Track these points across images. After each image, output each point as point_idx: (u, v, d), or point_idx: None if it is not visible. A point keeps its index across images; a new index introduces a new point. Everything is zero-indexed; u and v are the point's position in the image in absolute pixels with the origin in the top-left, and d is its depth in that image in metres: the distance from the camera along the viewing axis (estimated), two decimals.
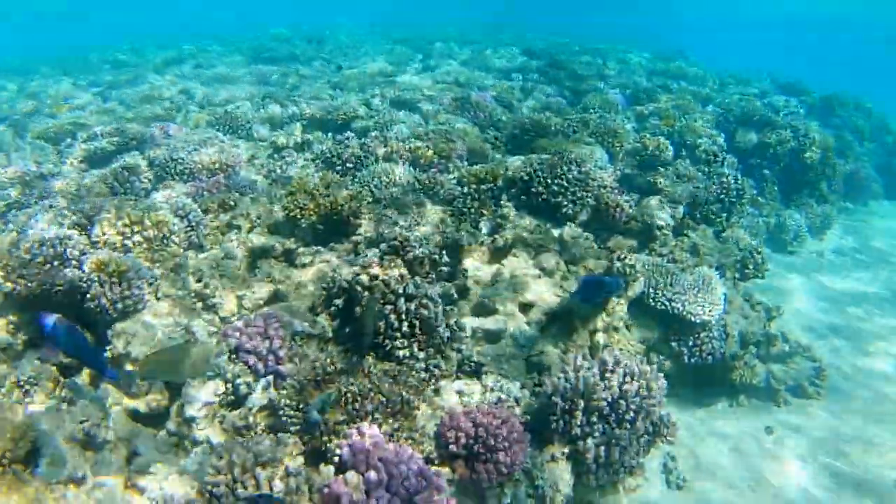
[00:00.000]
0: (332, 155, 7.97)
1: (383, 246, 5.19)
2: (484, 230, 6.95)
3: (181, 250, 5.55)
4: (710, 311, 6.29)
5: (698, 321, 6.24)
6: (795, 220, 9.95)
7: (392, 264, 4.90)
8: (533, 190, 6.93)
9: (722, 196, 8.35)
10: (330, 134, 9.39)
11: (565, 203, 6.80)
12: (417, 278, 4.77)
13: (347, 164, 7.86)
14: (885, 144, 15.74)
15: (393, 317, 4.40)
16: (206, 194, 6.98)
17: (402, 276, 4.75)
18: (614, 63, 14.98)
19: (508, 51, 16.10)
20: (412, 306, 4.43)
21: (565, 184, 6.80)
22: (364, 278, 4.57)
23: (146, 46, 19.42)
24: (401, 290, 4.44)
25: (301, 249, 5.79)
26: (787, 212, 10.08)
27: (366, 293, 4.49)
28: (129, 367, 4.31)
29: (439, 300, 4.63)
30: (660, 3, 54.73)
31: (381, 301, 4.42)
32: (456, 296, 5.54)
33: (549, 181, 6.89)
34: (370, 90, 11.54)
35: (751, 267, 7.27)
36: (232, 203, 6.55)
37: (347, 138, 8.23)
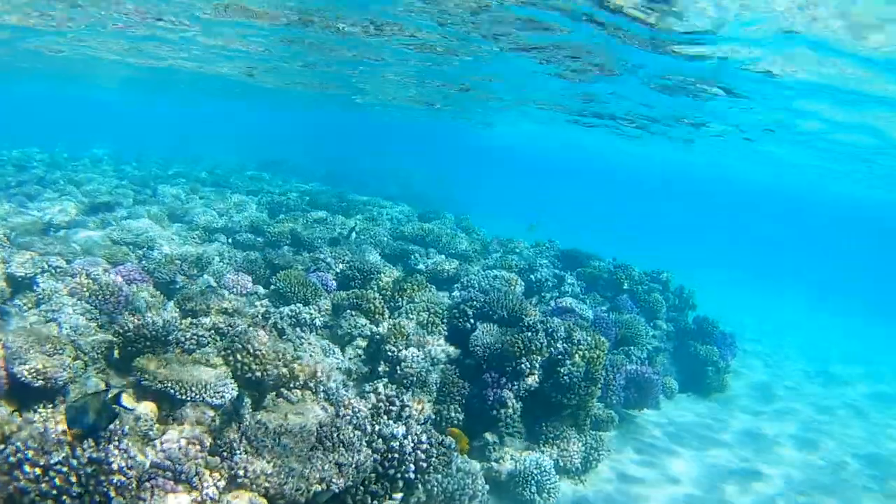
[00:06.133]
0: None
1: None
2: None
3: None
4: None
5: None
6: (541, 466, 6.92)
7: None
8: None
9: (390, 470, 5.08)
10: None
11: None
12: None
13: None
14: (684, 324, 13.92)
15: None
16: None
17: None
18: (352, 222, 11.90)
19: (240, 198, 12.54)
20: None
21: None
22: None
23: None
24: None
25: None
26: (527, 455, 7.03)
27: None
28: None
29: None
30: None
31: None
32: None
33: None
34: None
35: None
36: None
37: None
